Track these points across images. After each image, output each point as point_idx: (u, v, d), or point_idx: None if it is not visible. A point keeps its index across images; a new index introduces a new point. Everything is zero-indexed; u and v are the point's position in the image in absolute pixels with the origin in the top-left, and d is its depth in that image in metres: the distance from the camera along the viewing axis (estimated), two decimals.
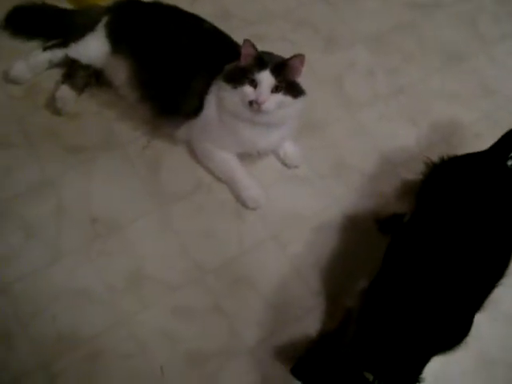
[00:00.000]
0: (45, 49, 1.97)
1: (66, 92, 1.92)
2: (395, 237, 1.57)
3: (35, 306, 1.62)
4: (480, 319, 1.41)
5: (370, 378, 1.29)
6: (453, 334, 1.37)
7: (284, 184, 1.91)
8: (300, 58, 1.65)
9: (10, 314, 1.61)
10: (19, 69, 1.95)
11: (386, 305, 1.38)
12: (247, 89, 1.66)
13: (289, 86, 1.67)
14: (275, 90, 1.65)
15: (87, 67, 1.92)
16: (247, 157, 1.86)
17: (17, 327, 1.59)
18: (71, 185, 1.81)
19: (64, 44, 1.94)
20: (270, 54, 1.71)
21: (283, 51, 1.62)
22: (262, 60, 1.65)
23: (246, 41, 1.66)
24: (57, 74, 1.98)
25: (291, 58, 1.65)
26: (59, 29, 2.00)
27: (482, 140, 1.67)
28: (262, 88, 1.64)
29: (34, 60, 1.96)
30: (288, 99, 1.68)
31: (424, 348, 1.34)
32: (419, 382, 1.34)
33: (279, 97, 1.66)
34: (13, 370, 1.54)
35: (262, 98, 1.64)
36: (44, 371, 1.55)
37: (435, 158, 1.68)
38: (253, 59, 1.66)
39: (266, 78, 1.64)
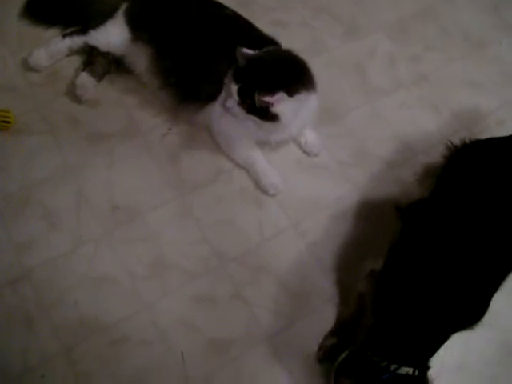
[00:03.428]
0: (64, 36, 1.97)
1: (85, 79, 1.91)
2: (413, 218, 1.57)
3: (57, 291, 1.64)
4: (503, 309, 1.40)
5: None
6: (468, 313, 1.38)
7: (304, 172, 1.90)
8: (273, 96, 1.61)
9: (32, 299, 1.63)
10: (39, 56, 1.95)
11: (403, 285, 1.39)
12: (233, 87, 1.65)
13: (259, 108, 1.64)
14: (241, 104, 1.65)
15: (107, 54, 1.92)
16: (267, 144, 1.85)
17: (38, 312, 1.61)
18: (92, 172, 1.82)
19: (83, 31, 1.94)
20: (263, 61, 1.66)
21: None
22: (239, 74, 1.64)
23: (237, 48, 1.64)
24: (76, 60, 1.99)
25: (260, 93, 1.61)
26: (79, 16, 1.99)
27: (505, 128, 1.65)
28: (232, 96, 1.65)
29: (54, 47, 1.96)
30: (252, 117, 1.67)
31: (440, 326, 1.36)
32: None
33: (242, 112, 1.67)
34: (34, 354, 1.56)
35: (228, 103, 1.67)
36: (65, 356, 1.57)
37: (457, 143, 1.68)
38: (245, 64, 1.64)
39: (234, 91, 1.64)
